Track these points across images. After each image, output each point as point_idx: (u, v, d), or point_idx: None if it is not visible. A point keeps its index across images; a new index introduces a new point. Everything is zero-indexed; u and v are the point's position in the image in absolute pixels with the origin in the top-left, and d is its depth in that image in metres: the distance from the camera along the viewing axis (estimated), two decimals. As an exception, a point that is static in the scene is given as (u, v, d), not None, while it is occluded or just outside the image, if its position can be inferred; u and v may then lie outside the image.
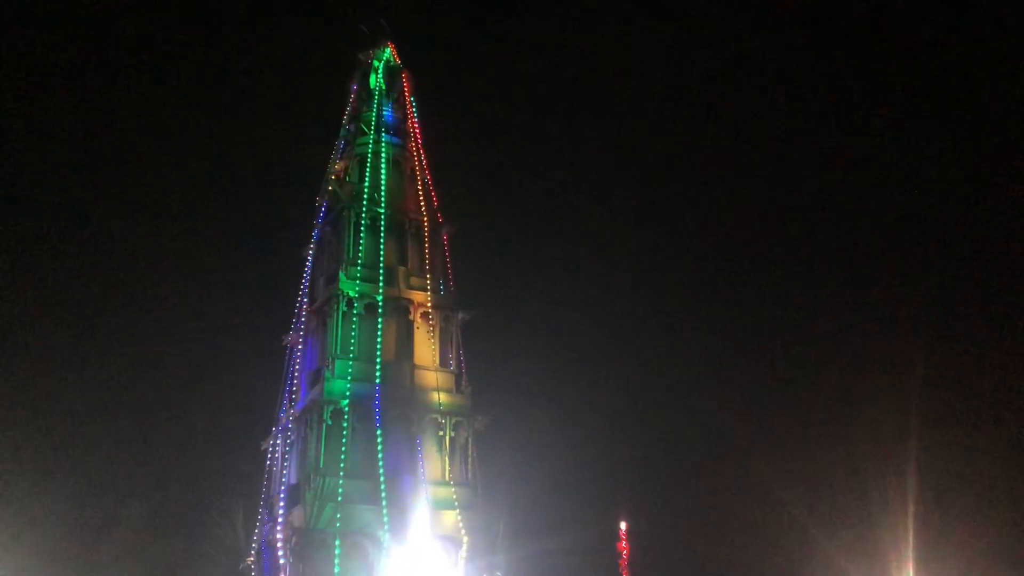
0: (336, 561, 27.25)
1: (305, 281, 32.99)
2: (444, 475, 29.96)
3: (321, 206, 33.84)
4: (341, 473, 28.28)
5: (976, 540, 30.57)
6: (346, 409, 29.11)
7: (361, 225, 32.09)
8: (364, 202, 32.45)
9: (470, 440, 30.88)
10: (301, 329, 32.26)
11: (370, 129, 34.26)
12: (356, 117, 35.06)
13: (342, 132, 35.01)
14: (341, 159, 34.61)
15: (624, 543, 27.96)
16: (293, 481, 30.03)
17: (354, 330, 30.47)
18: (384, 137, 34.23)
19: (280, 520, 28.87)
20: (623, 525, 29.79)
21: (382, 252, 31.88)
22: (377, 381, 29.80)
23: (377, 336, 30.56)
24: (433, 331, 31.82)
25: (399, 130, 34.86)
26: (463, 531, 29.03)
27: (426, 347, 31.60)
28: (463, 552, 28.85)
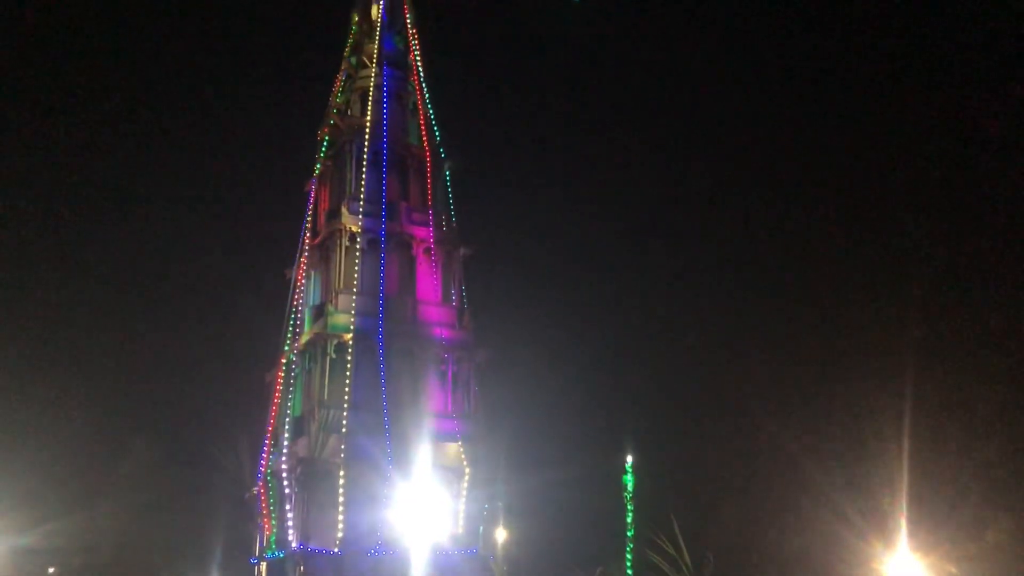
0: (340, 491, 27.77)
1: (307, 215, 32.91)
2: (447, 408, 30.38)
3: (323, 140, 33.56)
4: (345, 405, 28.65)
5: (968, 472, 30.97)
6: (349, 343, 29.34)
7: (363, 159, 31.88)
8: (366, 136, 32.17)
9: (472, 374, 31.21)
10: (304, 263, 32.30)
11: (372, 62, 33.76)
12: (358, 50, 34.53)
13: (344, 65, 34.51)
14: (343, 92, 34.20)
15: (630, 476, 28.39)
16: (298, 413, 30.46)
17: (357, 265, 30.54)
18: (386, 70, 33.76)
19: (285, 451, 29.37)
20: (629, 459, 30.22)
21: (384, 187, 31.73)
22: (380, 315, 29.97)
23: (380, 271, 30.63)
24: (435, 266, 31.90)
25: (401, 63, 34.35)
26: (465, 462, 29.53)
27: (429, 282, 31.71)
28: (465, 483, 29.40)
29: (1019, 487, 29.69)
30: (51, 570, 41.10)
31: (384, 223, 31.18)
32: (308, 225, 32.80)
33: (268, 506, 30.30)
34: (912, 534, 26.50)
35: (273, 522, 29.92)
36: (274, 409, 31.39)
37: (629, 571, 31.64)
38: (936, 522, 28.97)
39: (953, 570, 29.25)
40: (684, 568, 27.13)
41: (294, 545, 27.79)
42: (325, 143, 33.51)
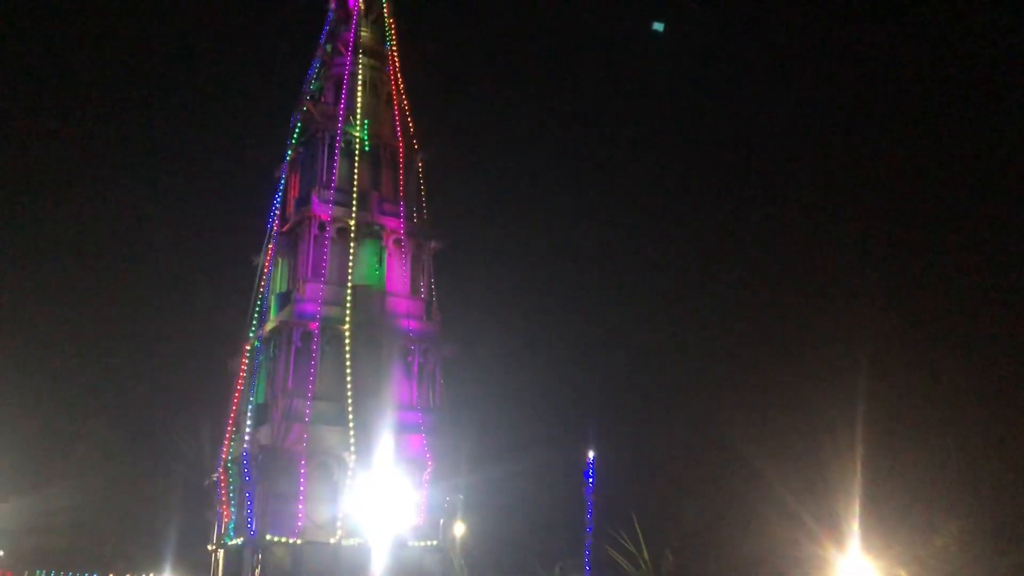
0: (301, 480, 27.61)
1: (277, 202, 32.64)
2: (411, 400, 30.32)
3: (295, 127, 33.29)
4: (309, 394, 28.48)
5: (919, 478, 31.58)
6: (316, 332, 29.17)
7: (335, 148, 31.68)
8: (339, 124, 31.96)
9: (438, 367, 31.18)
10: (271, 250, 32.04)
11: (347, 50, 33.54)
12: (333, 37, 34.28)
13: (318, 52, 34.24)
14: (317, 79, 33.95)
15: (591, 471, 28.59)
16: (261, 401, 30.21)
17: (325, 254, 30.36)
18: (361, 59, 33.56)
19: (246, 439, 29.13)
20: (591, 454, 30.42)
21: (356, 176, 31.56)
22: (347, 305, 29.83)
23: (348, 260, 30.48)
24: (405, 258, 31.82)
25: (377, 53, 34.15)
26: (428, 454, 29.52)
27: (398, 274, 31.62)
28: (427, 475, 29.39)
29: (966, 493, 30.36)
30: (0, 553, 40.36)
31: (354, 212, 31.02)
32: (277, 212, 32.55)
33: (227, 494, 30.05)
34: (865, 537, 26.94)
35: (232, 510, 29.68)
36: (237, 396, 31.14)
37: (587, 567, 31.89)
38: (888, 526, 29.52)
39: (903, 573, 29.85)
40: (643, 565, 27.43)
41: (253, 534, 27.57)
42: (297, 130, 33.24)
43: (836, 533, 27.96)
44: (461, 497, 31.04)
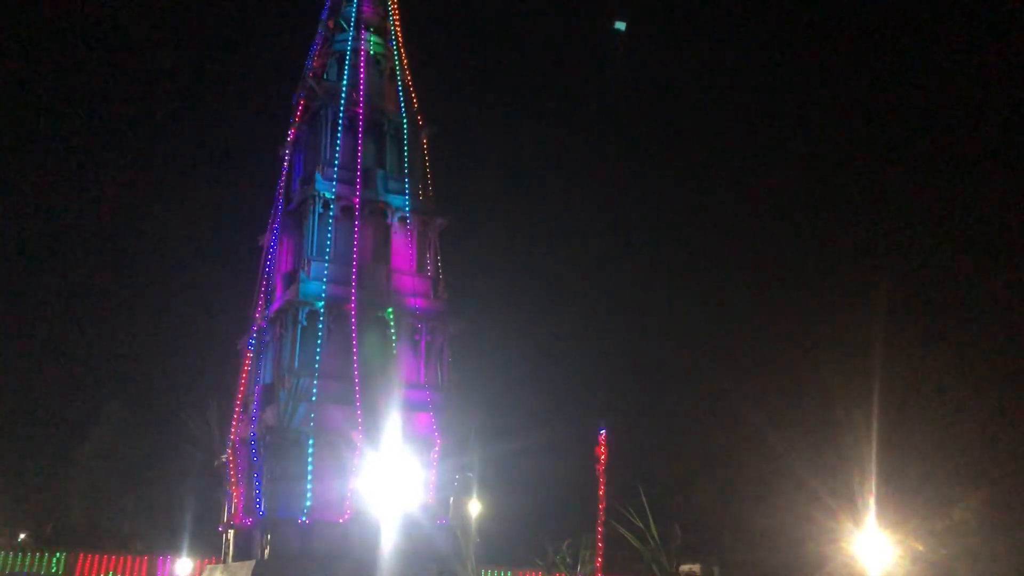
0: (309, 459, 27.54)
1: (281, 181, 32.39)
2: (419, 378, 30.12)
3: (298, 104, 32.96)
4: (316, 374, 28.34)
5: (936, 453, 31.18)
6: (321, 311, 28.99)
7: (339, 125, 31.32)
8: (342, 101, 31.59)
9: (445, 344, 30.94)
10: (277, 230, 31.83)
11: (349, 26, 33.12)
12: (335, 12, 33.84)
13: (320, 28, 33.82)
14: (319, 56, 33.55)
15: (603, 447, 28.29)
16: (268, 381, 30.13)
17: (330, 232, 30.11)
18: (364, 35, 33.12)
19: (254, 419, 29.08)
20: (602, 431, 30.13)
21: (360, 153, 31.22)
22: (353, 284, 29.59)
23: (353, 238, 30.21)
24: (411, 235, 31.49)
25: (380, 28, 33.70)
26: (437, 433, 29.35)
27: (403, 251, 31.33)
28: (436, 453, 29.23)
29: (985, 467, 29.93)
30: (22, 536, 40.77)
31: (359, 190, 30.71)
32: (282, 191, 32.30)
33: (237, 474, 30.06)
34: (881, 512, 26.57)
35: (242, 490, 29.69)
36: (244, 377, 31.08)
37: (599, 543, 31.67)
38: (904, 501, 29.20)
39: (919, 546, 29.50)
40: (651, 541, 27.21)
41: (262, 513, 27.57)
42: (300, 108, 32.91)
43: (852, 508, 27.63)
44: (471, 475, 30.88)
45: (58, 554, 37.03)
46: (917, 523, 29.65)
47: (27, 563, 33.39)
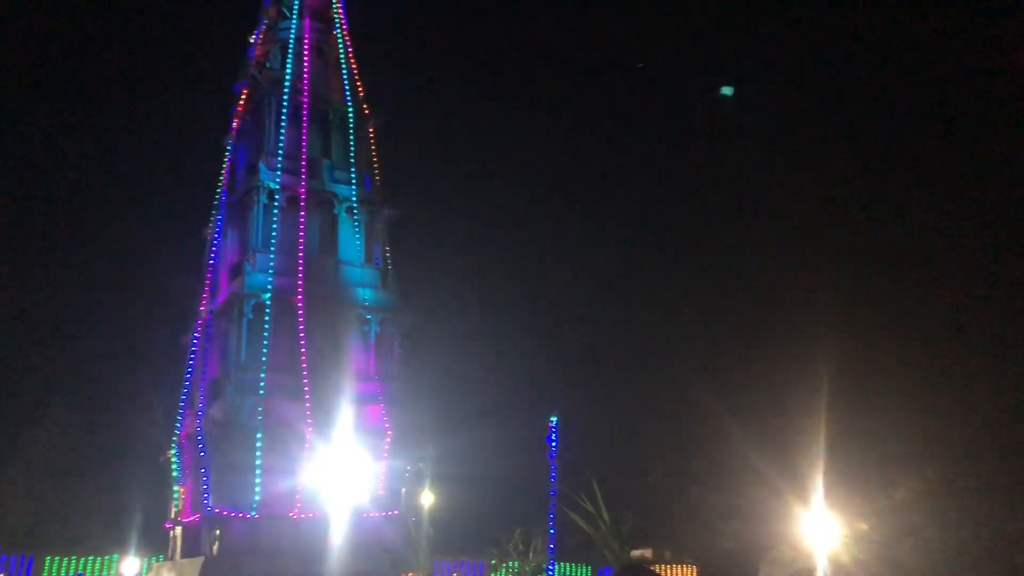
0: (257, 454, 27.18)
1: (224, 172, 31.82)
2: (368, 370, 29.89)
3: (240, 94, 32.36)
4: (263, 367, 27.96)
5: (880, 434, 31.83)
6: (268, 303, 28.59)
7: (283, 114, 30.82)
8: (286, 90, 31.08)
9: (396, 336, 30.74)
10: (221, 221, 31.28)
11: (292, 13, 32.56)
12: (278, 0, 33.28)
13: (263, 15, 33.21)
14: (262, 45, 32.95)
15: (554, 436, 28.38)
16: (214, 375, 29.65)
17: (276, 223, 29.66)
18: (308, 22, 32.60)
19: (201, 414, 28.62)
20: (553, 418, 30.20)
21: (305, 143, 30.78)
22: (300, 275, 29.23)
23: (299, 230, 29.81)
24: (358, 226, 31.18)
25: (324, 15, 33.16)
26: (387, 424, 29.18)
27: (351, 242, 31.00)
28: (387, 445, 29.07)
29: (925, 448, 30.65)
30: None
31: (304, 180, 30.29)
32: (225, 182, 31.74)
33: (184, 470, 29.58)
34: (828, 493, 27.08)
35: (189, 486, 29.23)
36: (190, 371, 30.56)
37: (551, 531, 31.85)
38: (850, 482, 29.78)
39: (864, 526, 30.17)
40: (603, 526, 27.49)
41: (210, 509, 27.17)
42: (244, 97, 32.33)
43: (800, 489, 28.13)
44: (422, 466, 30.80)
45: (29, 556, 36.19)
46: (862, 503, 30.31)
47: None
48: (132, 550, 35.50)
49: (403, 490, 29.87)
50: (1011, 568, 28.76)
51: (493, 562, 31.20)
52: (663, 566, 37.02)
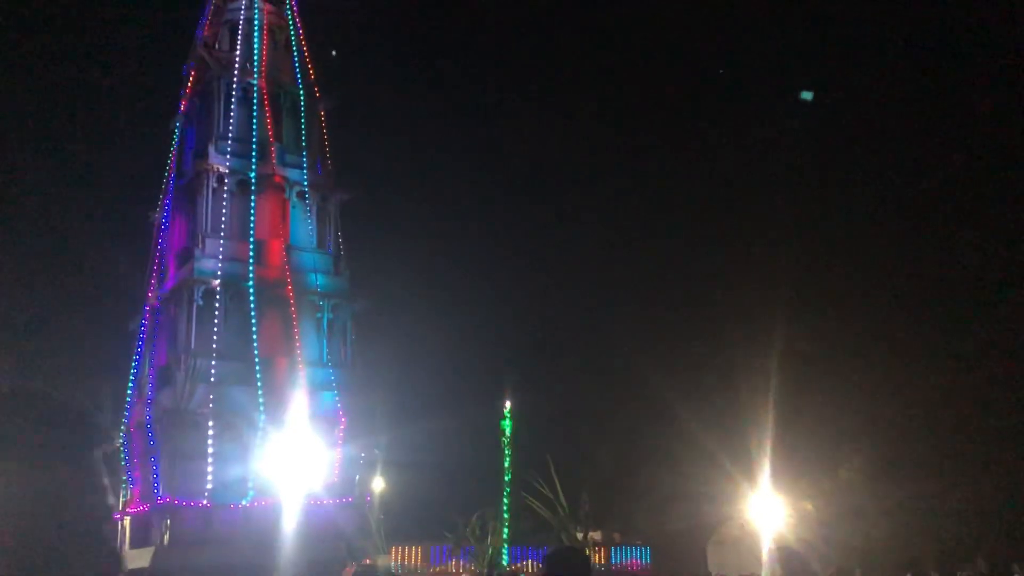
0: (209, 442, 26.83)
1: (172, 155, 31.16)
2: (321, 357, 29.66)
3: (189, 76, 31.70)
4: (213, 354, 27.56)
5: (825, 415, 32.61)
6: (218, 289, 28.15)
7: (232, 97, 30.27)
8: (235, 72, 30.52)
9: (349, 322, 30.54)
10: (169, 206, 30.66)
11: (242, -7, 31.93)
12: (226, -21, 32.59)
13: (212, -5, 32.52)
14: (210, 25, 32.27)
15: (507, 421, 28.57)
16: (163, 362, 29.14)
17: (225, 208, 29.18)
18: (257, 3, 32.02)
19: (150, 402, 28.13)
20: (507, 404, 30.34)
21: (255, 126, 30.28)
22: (251, 261, 28.83)
23: (250, 214, 29.38)
24: (310, 211, 30.83)
25: (274, -4, 32.63)
26: (340, 411, 29.01)
27: (303, 227, 30.65)
28: (340, 432, 28.92)
29: (867, 428, 31.52)
30: None
31: (255, 164, 29.83)
32: (173, 165, 31.09)
33: (132, 459, 29.06)
34: (775, 474, 27.71)
35: (138, 475, 28.74)
36: (139, 358, 29.99)
37: (506, 515, 32.07)
38: (797, 462, 30.50)
39: (808, 506, 30.96)
40: (560, 509, 27.73)
41: (161, 499, 26.76)
42: (191, 80, 31.66)
43: (748, 470, 28.73)
44: (377, 452, 30.72)
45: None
46: (807, 483, 31.08)
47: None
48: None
49: (357, 477, 29.77)
50: (943, 542, 29.86)
51: (450, 547, 31.30)
52: (613, 548, 37.52)
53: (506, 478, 31.68)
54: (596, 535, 36.13)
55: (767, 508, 27.21)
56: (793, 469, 29.93)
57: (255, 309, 28.38)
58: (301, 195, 30.76)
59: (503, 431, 32.32)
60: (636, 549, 37.11)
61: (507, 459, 31.78)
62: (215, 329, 27.84)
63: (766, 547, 26.55)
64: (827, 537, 29.81)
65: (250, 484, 26.95)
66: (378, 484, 33.43)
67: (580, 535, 26.50)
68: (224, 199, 29.21)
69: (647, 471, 39.45)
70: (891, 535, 30.39)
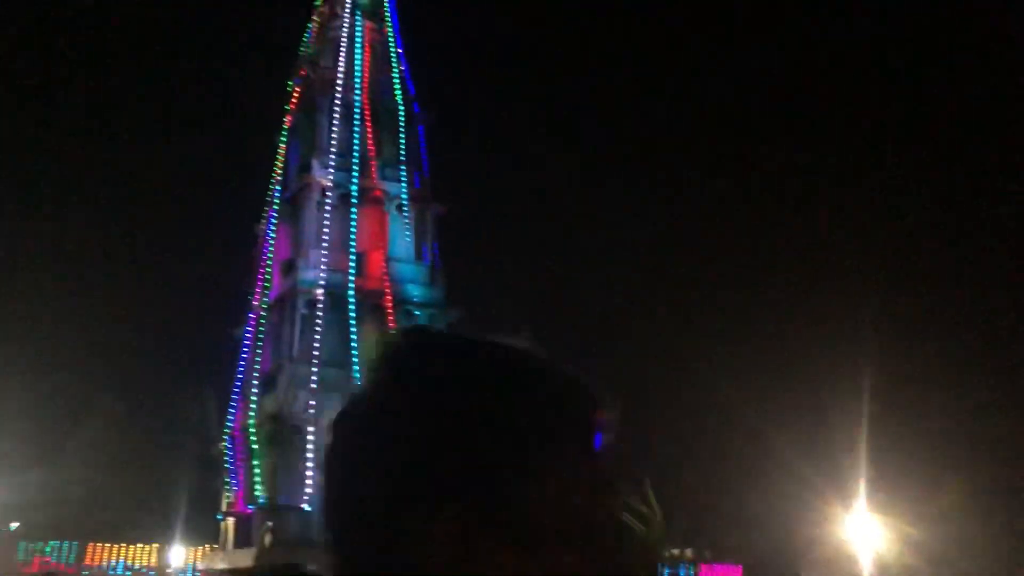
0: (309, 447, 27.55)
1: (278, 169, 32.26)
2: (417, 366, 30.13)
3: (293, 91, 32.80)
4: (315, 361, 28.34)
5: (925, 437, 31.62)
6: (320, 299, 28.97)
7: (335, 112, 31.22)
8: (338, 88, 31.46)
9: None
10: (274, 218, 31.73)
11: (344, 11, 32.92)
12: (330, -1, 33.65)
13: (316, 14, 33.61)
14: (315, 43, 33.35)
15: (599, 437, 28.43)
16: (267, 369, 30.09)
17: (327, 220, 30.06)
18: (359, 21, 32.96)
19: (253, 407, 29.06)
20: (601, 415, 30.14)
21: (356, 141, 31.14)
22: (351, 272, 29.59)
23: (351, 227, 30.18)
24: (408, 223, 31.49)
25: (375, 14, 33.53)
26: (435, 421, 29.41)
27: (400, 239, 31.34)
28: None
29: (973, 453, 30.40)
30: (14, 525, 40.47)
31: (355, 178, 30.65)
32: (278, 179, 32.18)
33: (236, 462, 30.04)
34: (871, 496, 26.95)
35: (241, 478, 29.68)
36: (243, 364, 31.02)
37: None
38: (894, 484, 29.59)
39: (911, 530, 29.95)
40: (656, 526, 27.25)
41: (262, 501, 27.60)
42: (296, 95, 32.75)
43: (842, 492, 28.01)
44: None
45: (52, 543, 36.94)
46: (907, 507, 30.10)
47: (46, 550, 33.47)
48: (178, 540, 36.10)
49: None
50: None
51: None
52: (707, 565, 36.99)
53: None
54: (687, 552, 35.72)
55: (865, 530, 26.46)
56: (890, 492, 29.09)
57: (354, 318, 29.11)
58: (400, 208, 31.46)
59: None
60: (728, 568, 36.54)
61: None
62: (316, 337, 28.65)
63: (866, 569, 25.83)
64: (934, 563, 28.82)
65: (348, 490, 27.53)
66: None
67: (676, 552, 26.36)
68: (326, 212, 30.10)
69: (736, 489, 38.82)
70: (995, 559, 29.26)
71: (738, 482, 38.84)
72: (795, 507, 32.73)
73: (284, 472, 27.62)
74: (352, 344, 28.85)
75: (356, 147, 31.09)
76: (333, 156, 30.72)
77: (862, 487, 27.65)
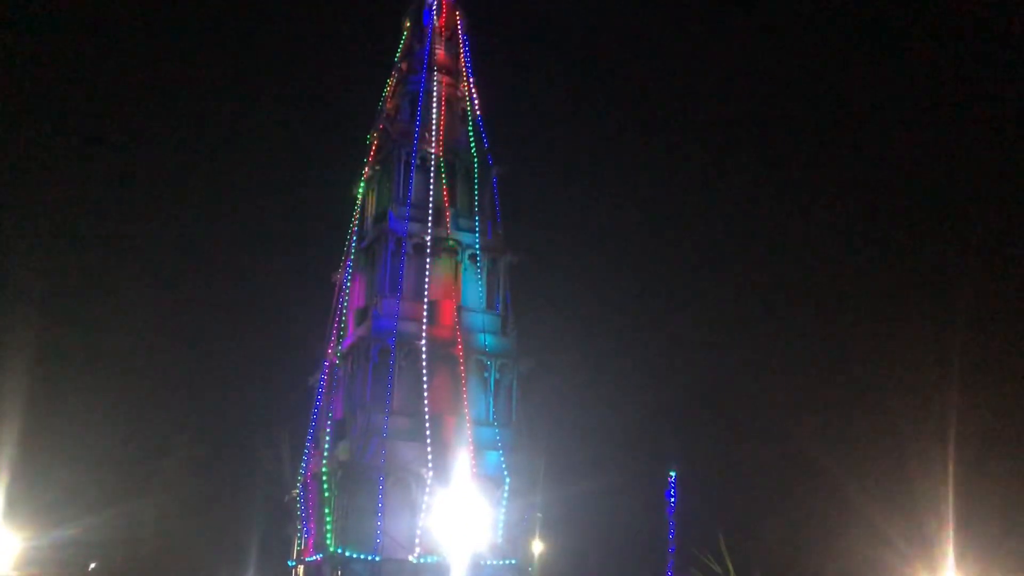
0: (380, 496, 27.65)
1: (355, 219, 33.01)
2: (488, 416, 30.18)
3: (372, 145, 33.68)
4: (387, 410, 28.58)
5: (1018, 498, 30.10)
6: (393, 347, 29.30)
7: (411, 164, 31.90)
8: (414, 141, 32.19)
9: (515, 382, 30.99)
10: (350, 267, 32.37)
11: (422, 67, 33.80)
12: (408, 55, 34.60)
13: (394, 70, 34.61)
14: (392, 97, 34.28)
15: (672, 490, 27.83)
16: (339, 416, 30.45)
17: (402, 269, 30.53)
18: (436, 75, 33.77)
19: (326, 454, 29.36)
20: (672, 473, 29.61)
21: (431, 192, 31.73)
22: (424, 321, 29.89)
23: (425, 276, 30.60)
24: (481, 273, 31.77)
25: (451, 69, 34.34)
26: (505, 471, 29.28)
27: (473, 288, 31.59)
28: (504, 492, 29.14)
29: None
30: (92, 565, 41.44)
31: (431, 228, 31.15)
32: (355, 229, 32.90)
33: (307, 509, 30.31)
34: (959, 560, 25.69)
35: (312, 525, 29.91)
36: (316, 412, 31.46)
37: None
38: (985, 549, 28.14)
39: (1010, 594, 28.34)
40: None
41: (332, 549, 27.72)
42: (374, 147, 33.62)
43: (927, 555, 26.81)
44: (539, 515, 30.69)
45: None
46: (1000, 570, 28.58)
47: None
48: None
49: (520, 539, 29.80)
50: None
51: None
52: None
53: (670, 549, 30.89)
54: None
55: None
56: (981, 558, 27.67)
57: (426, 367, 29.31)
58: (473, 257, 31.79)
59: (667, 500, 31.64)
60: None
61: (671, 531, 31.02)
62: (389, 386, 28.92)
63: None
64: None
65: (417, 540, 27.51)
66: (537, 546, 33.33)
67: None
68: (401, 261, 30.59)
69: (816, 548, 37.50)
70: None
71: (819, 541, 37.55)
72: (877, 569, 31.42)
73: (354, 521, 27.74)
74: (423, 393, 29.02)
75: (431, 198, 31.64)
76: (408, 207, 31.31)
77: (950, 552, 26.41)
